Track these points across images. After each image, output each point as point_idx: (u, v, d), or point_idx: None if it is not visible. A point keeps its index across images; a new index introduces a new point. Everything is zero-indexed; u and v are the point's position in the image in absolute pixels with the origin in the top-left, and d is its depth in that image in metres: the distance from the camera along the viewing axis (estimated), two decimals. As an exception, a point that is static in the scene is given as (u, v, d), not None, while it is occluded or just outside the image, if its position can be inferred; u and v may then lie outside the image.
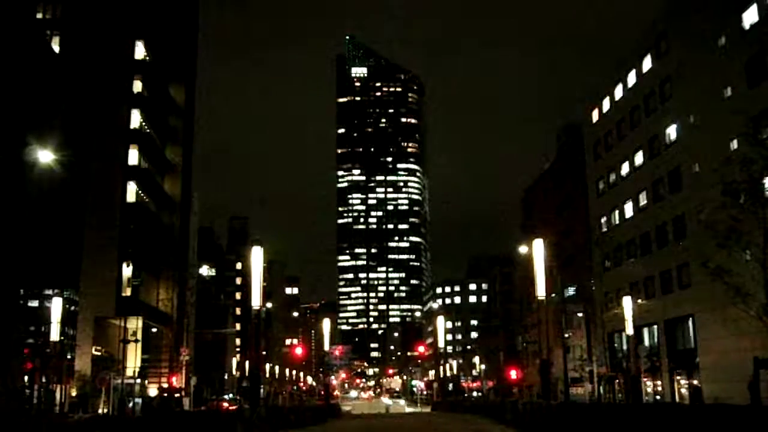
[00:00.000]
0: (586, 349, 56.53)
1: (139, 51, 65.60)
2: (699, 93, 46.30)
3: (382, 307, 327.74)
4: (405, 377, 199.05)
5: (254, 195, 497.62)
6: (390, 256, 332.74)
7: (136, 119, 64.51)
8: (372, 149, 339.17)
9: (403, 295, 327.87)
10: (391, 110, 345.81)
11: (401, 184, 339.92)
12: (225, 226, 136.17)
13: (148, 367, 62.42)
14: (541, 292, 32.94)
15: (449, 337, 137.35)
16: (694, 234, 44.67)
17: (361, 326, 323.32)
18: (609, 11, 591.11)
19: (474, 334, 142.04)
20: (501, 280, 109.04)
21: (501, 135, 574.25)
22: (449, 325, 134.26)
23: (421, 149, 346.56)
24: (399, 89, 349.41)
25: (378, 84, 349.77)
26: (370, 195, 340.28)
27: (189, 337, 65.00)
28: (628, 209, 58.34)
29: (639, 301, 50.00)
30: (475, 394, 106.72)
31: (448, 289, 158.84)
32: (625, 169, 59.15)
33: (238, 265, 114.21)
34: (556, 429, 26.58)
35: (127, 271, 60.85)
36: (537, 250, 33.25)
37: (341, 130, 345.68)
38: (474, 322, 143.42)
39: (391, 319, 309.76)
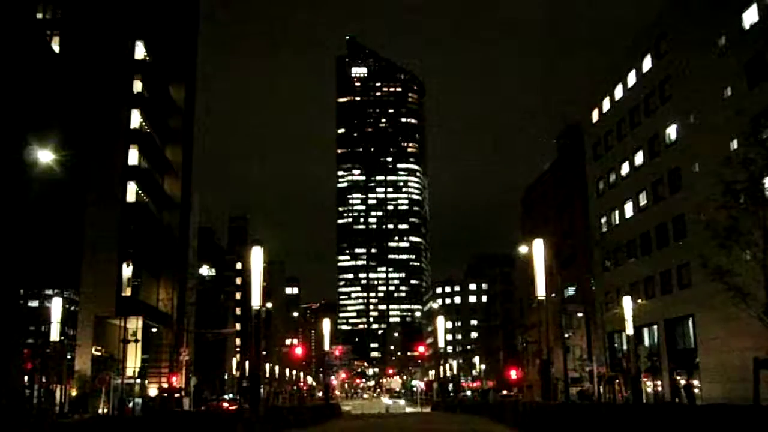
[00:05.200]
0: (586, 349, 56.51)
1: (139, 51, 65.54)
2: (699, 93, 46.29)
3: (382, 307, 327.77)
4: (405, 377, 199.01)
5: (254, 195, 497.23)
6: (390, 256, 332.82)
7: (136, 119, 64.45)
8: (372, 149, 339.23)
9: (403, 295, 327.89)
10: (391, 110, 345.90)
11: (401, 184, 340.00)
12: (225, 226, 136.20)
13: (148, 367, 62.35)
14: (541, 292, 32.91)
15: (449, 337, 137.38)
16: (694, 234, 44.64)
17: (361, 326, 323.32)
18: (609, 11, 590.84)
19: (474, 334, 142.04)
20: (501, 280, 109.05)
21: (501, 135, 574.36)
22: (449, 325, 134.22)
23: (421, 149, 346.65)
24: (399, 89, 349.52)
25: (378, 84, 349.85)
26: (370, 195, 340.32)
27: (189, 337, 64.97)
28: (628, 209, 58.34)
29: (639, 301, 49.98)
30: (468, 393, 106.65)
31: (448, 289, 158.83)
32: (625, 169, 59.15)
33: (238, 265, 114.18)
34: (556, 429, 26.58)
35: (127, 271, 60.81)
36: (537, 250, 33.23)
37: (341, 130, 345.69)
38: (474, 322, 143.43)
39: (391, 319, 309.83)
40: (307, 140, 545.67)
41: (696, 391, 46.25)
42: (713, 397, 41.08)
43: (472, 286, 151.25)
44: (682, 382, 45.85)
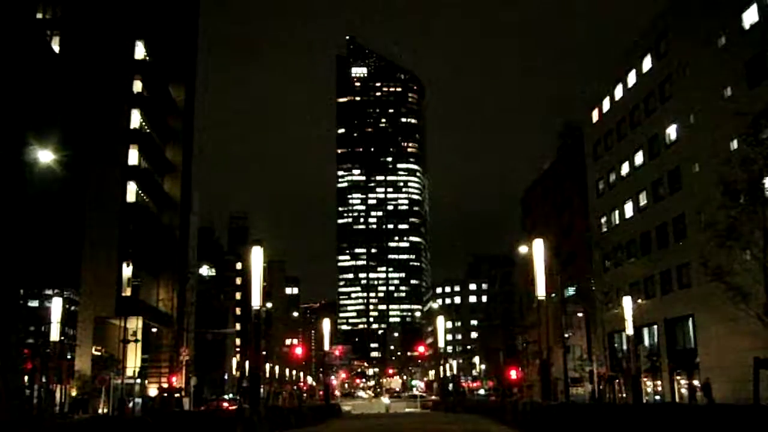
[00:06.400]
0: (586, 349, 56.52)
1: (139, 51, 65.60)
2: (699, 93, 46.29)
3: (382, 307, 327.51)
4: (405, 377, 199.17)
5: (254, 195, 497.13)
6: (390, 256, 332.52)
7: (136, 119, 64.52)
8: (372, 149, 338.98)
9: (403, 295, 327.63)
10: (391, 110, 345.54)
11: (401, 184, 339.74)
12: (225, 226, 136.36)
13: (148, 367, 62.42)
14: (541, 292, 32.92)
15: (449, 337, 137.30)
16: (694, 234, 44.68)
17: (361, 326, 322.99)
18: (610, 11, 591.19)
19: (474, 334, 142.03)
20: (501, 280, 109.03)
21: (501, 135, 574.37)
22: (449, 325, 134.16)
23: (421, 149, 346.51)
24: (399, 89, 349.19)
25: (378, 84, 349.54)
26: (370, 195, 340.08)
27: (189, 337, 65.00)
28: (628, 209, 58.34)
29: (639, 301, 49.99)
30: (482, 392, 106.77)
31: (448, 289, 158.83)
32: (625, 169, 59.16)
33: (238, 265, 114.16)
34: (556, 429, 26.58)
35: (127, 271, 60.85)
36: (537, 250, 33.24)
37: (341, 130, 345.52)
38: (474, 322, 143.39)
39: (391, 319, 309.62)
40: (307, 140, 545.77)
41: (698, 392, 46.24)
42: (713, 397, 41.03)
43: (472, 286, 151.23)
44: (697, 383, 45.68)
